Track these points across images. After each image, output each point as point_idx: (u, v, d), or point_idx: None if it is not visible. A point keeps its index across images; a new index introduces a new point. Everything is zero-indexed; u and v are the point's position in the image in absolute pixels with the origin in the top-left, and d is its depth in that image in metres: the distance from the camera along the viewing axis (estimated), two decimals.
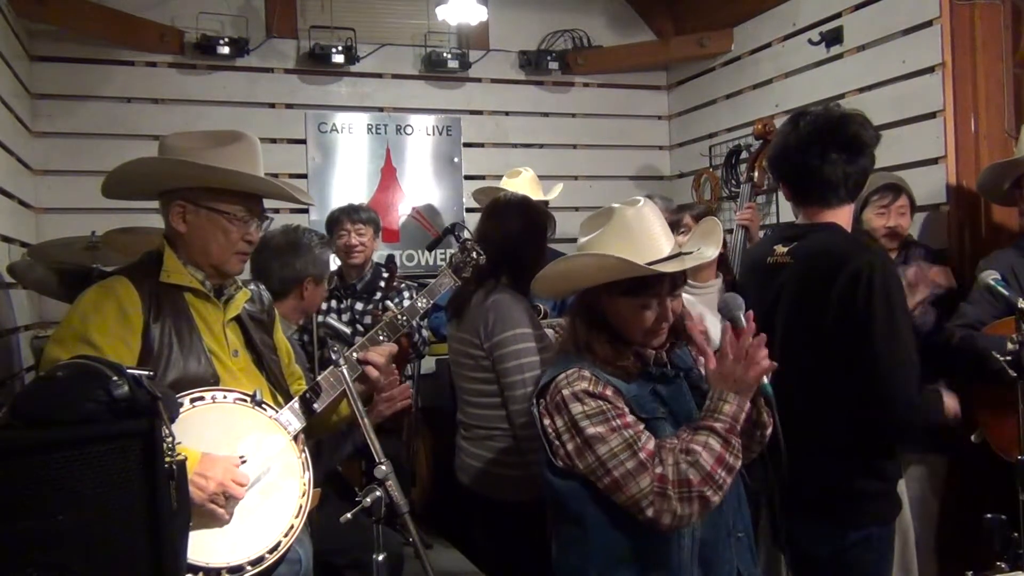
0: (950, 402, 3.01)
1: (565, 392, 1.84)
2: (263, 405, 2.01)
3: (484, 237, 2.72)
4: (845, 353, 2.17)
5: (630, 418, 1.82)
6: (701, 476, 1.74)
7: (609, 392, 1.84)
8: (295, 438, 2.05)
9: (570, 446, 1.83)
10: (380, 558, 1.88)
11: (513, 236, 2.68)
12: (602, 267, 1.85)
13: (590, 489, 1.84)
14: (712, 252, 1.97)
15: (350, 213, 4.09)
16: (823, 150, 2.26)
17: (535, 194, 4.25)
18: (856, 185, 2.32)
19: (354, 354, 2.21)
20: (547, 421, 1.88)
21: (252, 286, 2.26)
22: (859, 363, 2.14)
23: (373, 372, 2.19)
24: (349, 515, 1.86)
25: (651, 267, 1.82)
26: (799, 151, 2.30)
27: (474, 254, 2.50)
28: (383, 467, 1.86)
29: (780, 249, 2.35)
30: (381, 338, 2.29)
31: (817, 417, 2.17)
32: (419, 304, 2.36)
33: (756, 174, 4.11)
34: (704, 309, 3.03)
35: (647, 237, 1.87)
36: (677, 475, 1.75)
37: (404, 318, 2.31)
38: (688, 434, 1.81)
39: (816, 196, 2.33)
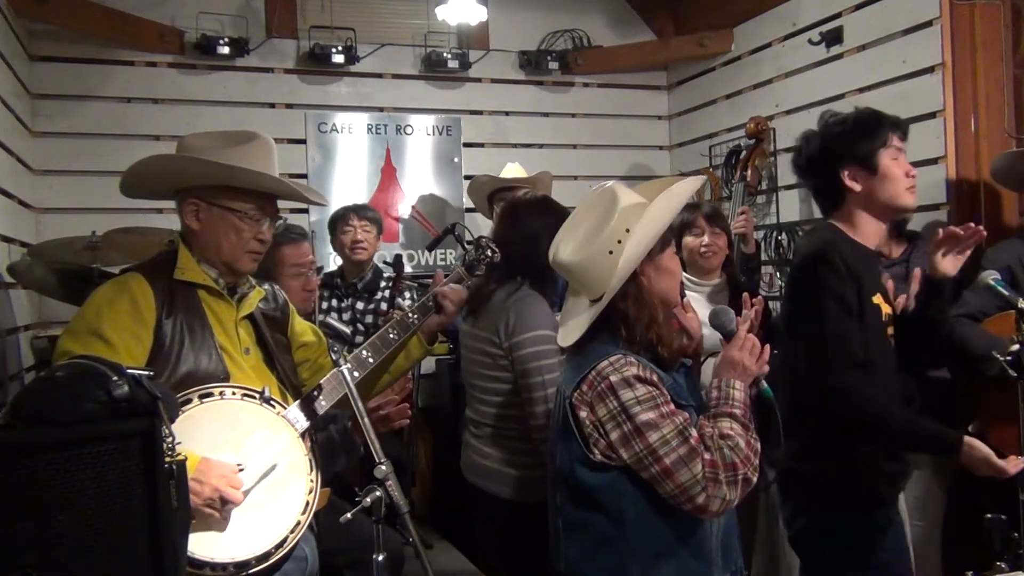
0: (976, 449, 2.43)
1: (613, 378, 1.82)
2: (271, 402, 2.01)
3: (504, 239, 2.64)
4: (793, 343, 2.29)
5: (674, 405, 1.84)
6: (741, 459, 1.79)
7: (656, 378, 1.85)
8: (302, 435, 2.05)
9: (614, 435, 1.81)
10: (380, 558, 1.89)
11: (533, 238, 2.54)
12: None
13: (629, 481, 1.83)
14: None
15: (357, 210, 4.11)
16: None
17: (519, 173, 4.48)
18: None
19: (364, 352, 2.21)
20: (584, 413, 1.85)
21: (267, 285, 2.27)
22: (795, 352, 2.25)
23: (450, 306, 2.41)
24: (349, 515, 1.86)
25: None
26: (803, 173, 2.47)
27: (488, 252, 2.47)
28: (383, 467, 1.87)
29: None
30: (392, 336, 2.29)
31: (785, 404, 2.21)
32: (431, 303, 2.36)
33: (749, 174, 4.10)
34: (702, 304, 3.02)
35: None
36: (723, 459, 1.78)
37: (415, 316, 2.31)
38: (711, 422, 1.85)
39: (824, 206, 2.47)
